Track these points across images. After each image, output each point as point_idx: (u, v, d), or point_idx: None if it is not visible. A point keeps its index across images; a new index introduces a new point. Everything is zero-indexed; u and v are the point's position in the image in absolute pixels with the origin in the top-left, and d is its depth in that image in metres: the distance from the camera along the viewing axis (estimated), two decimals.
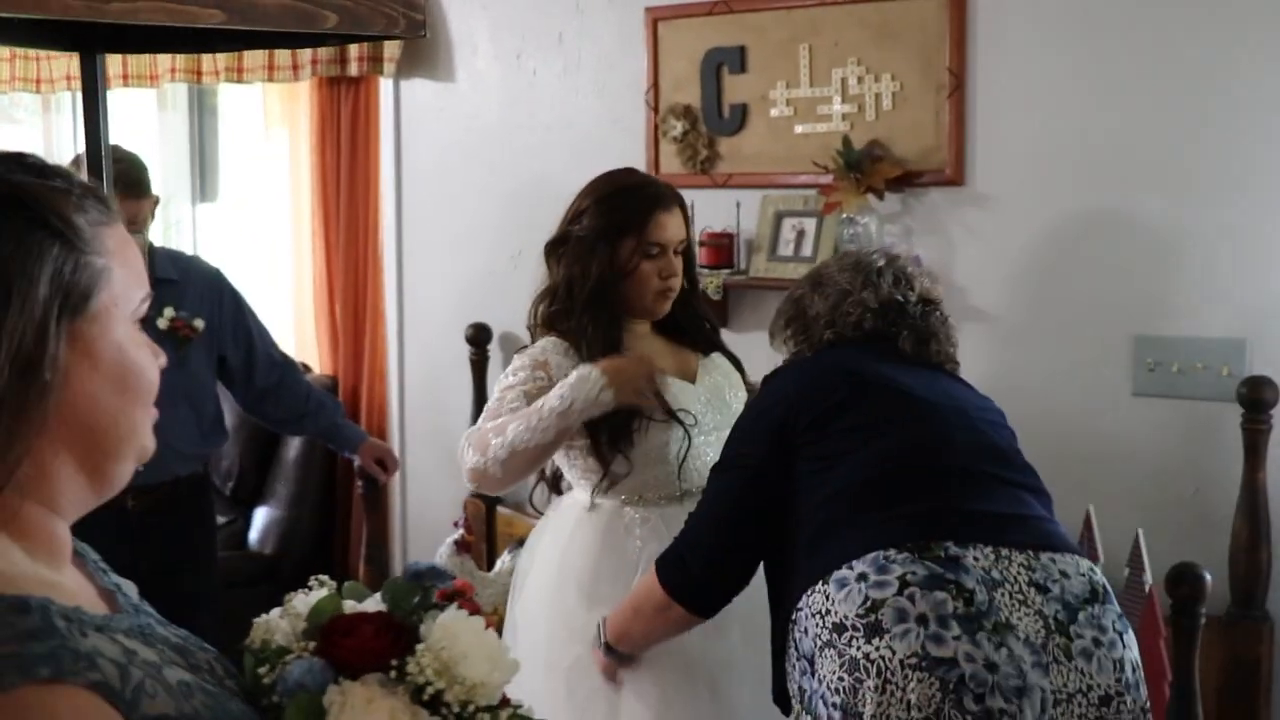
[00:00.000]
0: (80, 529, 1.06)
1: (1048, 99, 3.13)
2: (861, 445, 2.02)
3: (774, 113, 3.50)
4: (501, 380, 2.47)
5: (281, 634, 1.12)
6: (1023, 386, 3.20)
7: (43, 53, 4.88)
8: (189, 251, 5.07)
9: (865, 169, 3.28)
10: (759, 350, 3.12)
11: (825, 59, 3.40)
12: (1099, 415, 3.13)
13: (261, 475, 4.36)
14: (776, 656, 2.06)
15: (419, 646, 1.10)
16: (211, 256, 5.09)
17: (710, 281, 3.48)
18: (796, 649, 1.96)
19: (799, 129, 3.46)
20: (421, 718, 1.06)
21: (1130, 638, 1.92)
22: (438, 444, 4.26)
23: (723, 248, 3.52)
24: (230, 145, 5.12)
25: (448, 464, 4.30)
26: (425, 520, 4.29)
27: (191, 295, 3.32)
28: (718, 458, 2.48)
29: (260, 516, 4.33)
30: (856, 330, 2.24)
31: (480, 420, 2.43)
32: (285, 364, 3.54)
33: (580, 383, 2.30)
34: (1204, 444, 2.99)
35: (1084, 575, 1.92)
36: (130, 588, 1.13)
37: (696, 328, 2.69)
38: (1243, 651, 2.81)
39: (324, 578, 1.21)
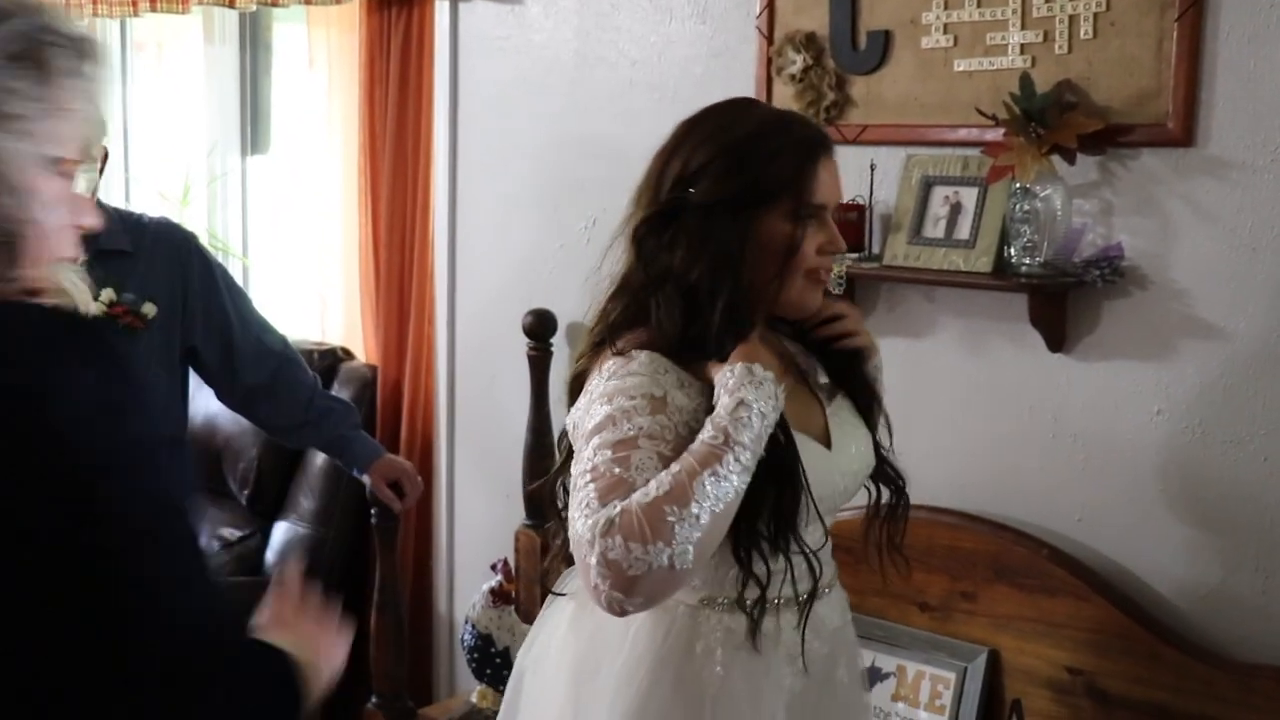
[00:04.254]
0: None
1: None
2: None
3: (926, 42, 2.58)
4: (604, 428, 1.59)
5: None
6: (1272, 437, 2.27)
7: None
8: (238, 212, 4.41)
9: (1051, 121, 2.36)
10: (892, 366, 2.25)
11: None
12: None
13: (284, 482, 3.61)
14: None
15: None
16: (262, 218, 4.42)
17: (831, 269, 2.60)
18: None
19: (960, 65, 2.55)
20: None
21: None
22: (489, 456, 3.46)
23: (850, 224, 2.62)
24: (283, 86, 4.38)
25: (498, 481, 3.54)
26: (475, 552, 3.50)
27: (146, 271, 2.57)
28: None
29: (279, 533, 3.59)
30: None
31: (593, 495, 1.53)
32: (283, 356, 2.79)
33: (756, 388, 1.54)
34: None
35: None
36: None
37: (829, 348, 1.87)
38: None
39: None
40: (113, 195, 4.38)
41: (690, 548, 1.47)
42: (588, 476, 1.55)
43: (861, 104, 2.69)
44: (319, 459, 3.52)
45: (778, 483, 1.62)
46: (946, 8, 2.55)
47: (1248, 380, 2.30)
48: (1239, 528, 2.32)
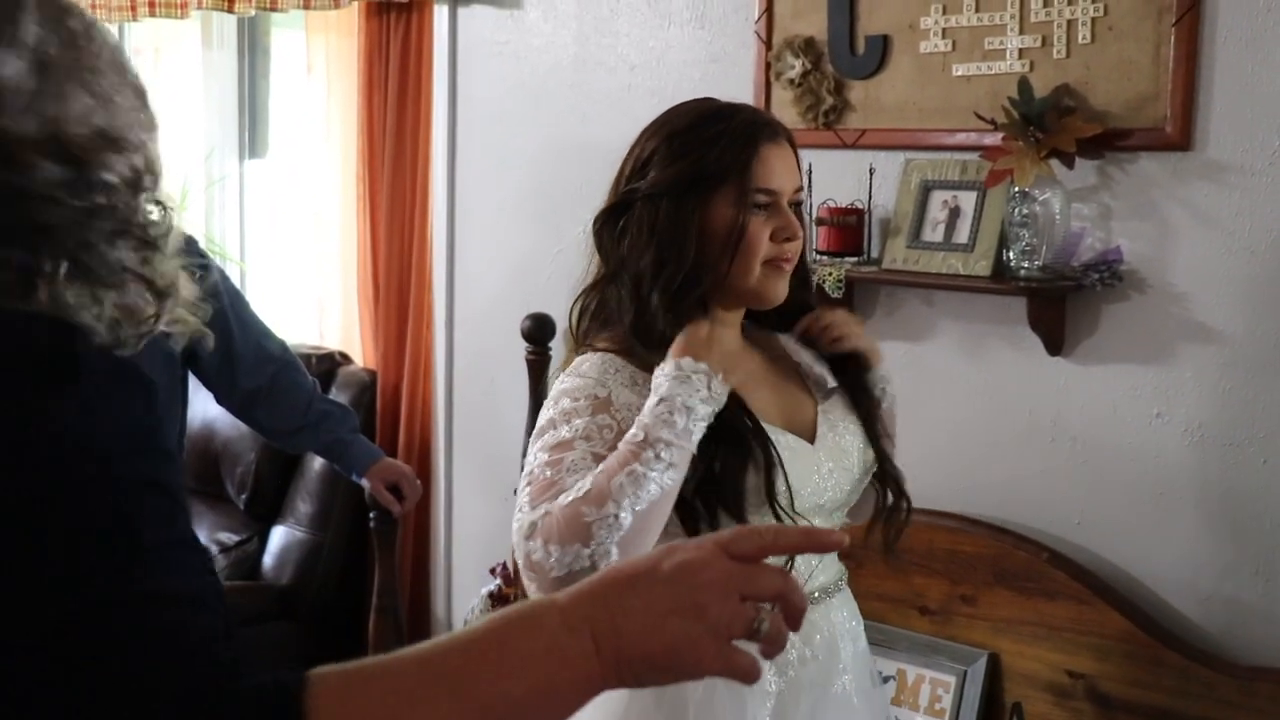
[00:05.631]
0: None
1: None
2: None
3: (925, 47, 2.59)
4: (545, 431, 1.62)
5: None
6: (1271, 440, 2.27)
7: None
8: (236, 217, 4.41)
9: (1049, 125, 2.37)
10: (892, 369, 2.24)
11: None
12: None
13: (282, 486, 3.61)
14: None
15: None
16: (259, 223, 4.42)
17: (829, 273, 2.60)
18: None
19: (959, 70, 2.55)
20: None
21: None
22: (488, 460, 3.46)
23: (849, 228, 2.64)
24: (281, 91, 4.38)
25: (497, 485, 3.54)
26: (473, 556, 3.50)
27: None
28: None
29: (277, 537, 3.58)
30: None
31: (526, 499, 1.56)
32: (282, 361, 2.79)
33: (681, 384, 1.51)
34: None
35: None
36: None
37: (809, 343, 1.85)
38: None
39: None
40: None
41: (612, 547, 1.47)
42: (525, 480, 1.59)
43: (860, 108, 2.70)
44: (317, 462, 3.52)
45: (730, 458, 1.61)
46: (945, 13, 2.55)
47: (1246, 383, 2.30)
48: (1239, 531, 2.33)
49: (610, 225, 1.71)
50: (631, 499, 1.48)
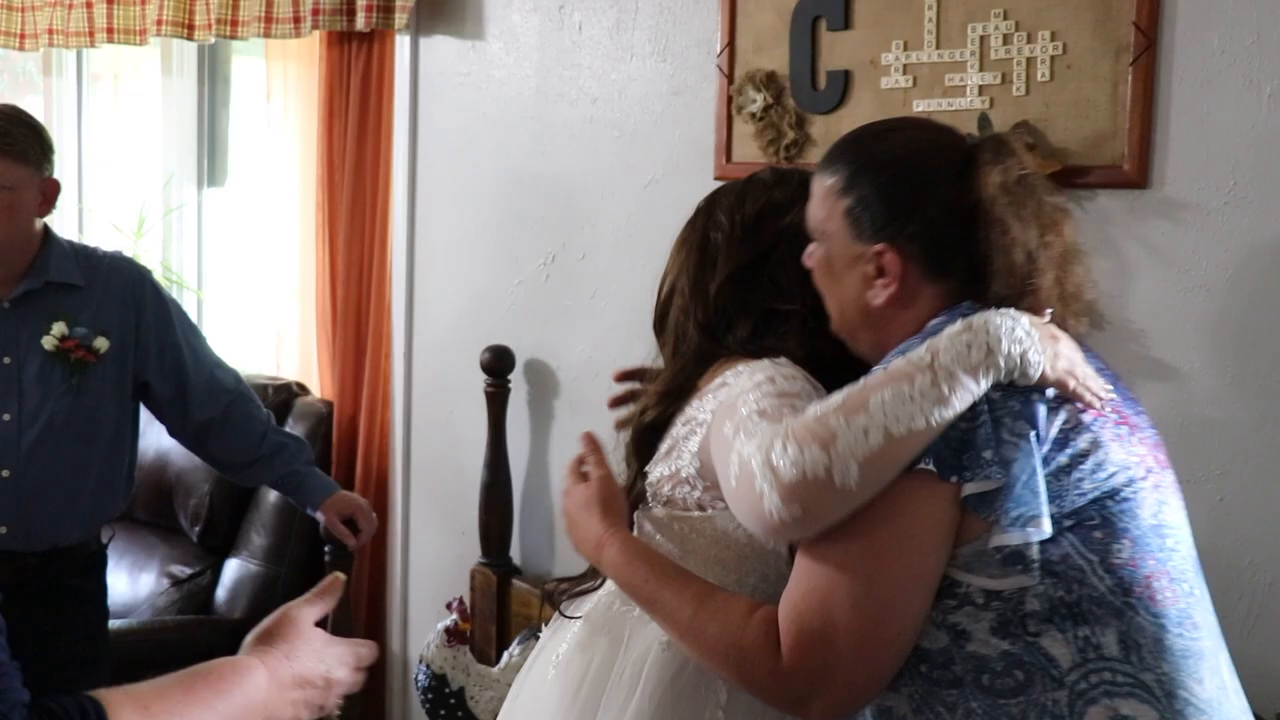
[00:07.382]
0: None
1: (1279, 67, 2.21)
2: None
3: (886, 83, 2.60)
4: (756, 385, 1.55)
5: None
6: (1226, 478, 2.28)
7: (24, 2, 4.16)
8: (193, 245, 4.38)
9: None
10: None
11: (959, 10, 2.49)
12: None
13: (236, 519, 3.56)
14: None
15: None
16: (217, 251, 4.39)
17: None
18: None
19: (920, 105, 2.56)
20: None
21: None
22: (445, 493, 3.43)
23: None
24: (241, 119, 4.36)
25: (454, 518, 3.50)
26: (430, 590, 3.46)
27: (98, 305, 2.56)
28: None
29: (231, 570, 3.53)
30: None
31: (750, 429, 1.44)
32: (236, 393, 2.76)
33: (1001, 319, 1.36)
34: None
35: None
36: None
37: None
38: None
39: None
40: (66, 227, 4.33)
41: (854, 464, 1.29)
42: (756, 416, 1.47)
43: (822, 143, 2.70)
44: (272, 495, 3.47)
45: None
46: (906, 49, 2.57)
47: (1202, 421, 2.31)
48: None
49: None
50: (887, 419, 1.30)
